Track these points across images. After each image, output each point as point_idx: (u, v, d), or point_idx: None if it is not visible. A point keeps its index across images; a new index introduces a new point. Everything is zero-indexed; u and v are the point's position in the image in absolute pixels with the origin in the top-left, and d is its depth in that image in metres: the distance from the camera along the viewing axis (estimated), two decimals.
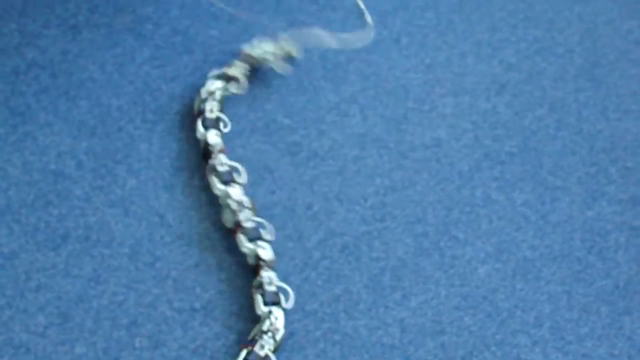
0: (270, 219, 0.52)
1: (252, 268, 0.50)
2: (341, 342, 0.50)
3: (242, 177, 0.52)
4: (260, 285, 0.49)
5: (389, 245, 0.52)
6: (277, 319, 0.48)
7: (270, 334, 0.48)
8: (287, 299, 0.49)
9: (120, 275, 0.50)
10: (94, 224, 0.51)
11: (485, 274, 0.52)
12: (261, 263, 0.50)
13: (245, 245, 0.50)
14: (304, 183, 0.53)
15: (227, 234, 0.51)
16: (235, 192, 0.51)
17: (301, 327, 0.50)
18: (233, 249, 0.50)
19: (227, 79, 0.55)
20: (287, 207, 0.52)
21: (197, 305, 0.49)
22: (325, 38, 0.55)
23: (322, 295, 0.50)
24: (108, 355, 0.48)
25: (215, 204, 0.52)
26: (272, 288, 0.49)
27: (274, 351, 0.48)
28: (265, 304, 0.49)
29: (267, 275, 0.49)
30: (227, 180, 0.52)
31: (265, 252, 0.50)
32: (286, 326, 0.49)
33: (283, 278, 0.50)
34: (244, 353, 0.47)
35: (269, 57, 0.55)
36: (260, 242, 0.50)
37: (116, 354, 0.48)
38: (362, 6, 0.58)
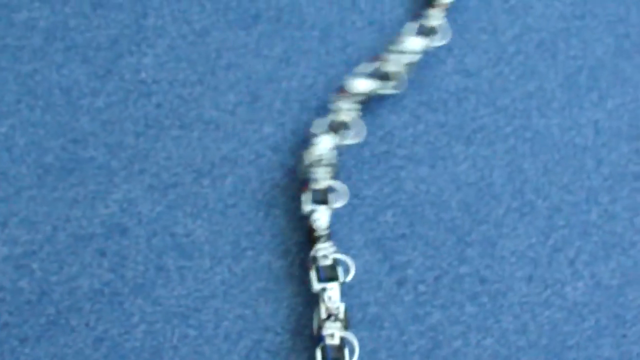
0: (464, 10, 0.50)
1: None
2: (532, 139, 0.48)
3: None
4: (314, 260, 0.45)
5: (588, 44, 0.50)
6: (330, 298, 0.44)
7: (332, 318, 0.44)
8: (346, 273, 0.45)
9: (310, 59, 0.49)
10: (285, 5, 0.50)
11: None
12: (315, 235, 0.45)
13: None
14: None
15: None
16: None
17: (491, 121, 0.48)
18: None
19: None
20: None
21: None
22: None
23: (514, 91, 0.49)
24: (296, 136, 0.48)
25: None
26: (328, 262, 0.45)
27: (347, 328, 0.44)
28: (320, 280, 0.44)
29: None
30: None
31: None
32: (473, 120, 0.48)
33: (476, 71, 0.49)
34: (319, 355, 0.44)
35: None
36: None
37: (301, 136, 0.48)
38: None
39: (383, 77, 0.47)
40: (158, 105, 0.48)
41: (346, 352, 0.43)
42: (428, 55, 0.49)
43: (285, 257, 0.46)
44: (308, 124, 0.48)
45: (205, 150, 0.47)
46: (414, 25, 0.48)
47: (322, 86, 0.48)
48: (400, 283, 0.46)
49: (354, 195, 0.47)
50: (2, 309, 0.45)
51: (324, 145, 0.46)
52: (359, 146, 0.48)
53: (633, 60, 0.50)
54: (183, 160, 0.47)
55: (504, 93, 0.49)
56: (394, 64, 0.47)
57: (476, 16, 0.50)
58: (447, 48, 0.49)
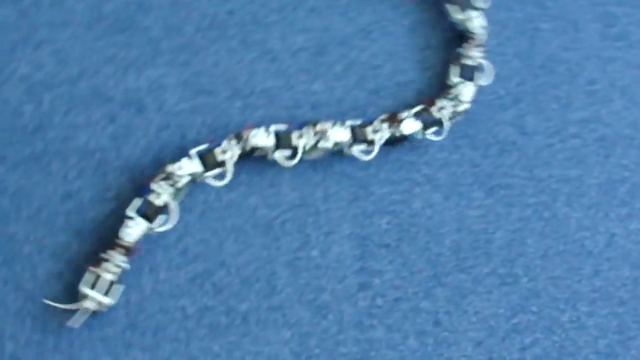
0: (551, 72, 0.49)
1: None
2: (547, 220, 0.48)
3: None
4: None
5: None
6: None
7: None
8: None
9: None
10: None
11: None
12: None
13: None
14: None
15: None
16: None
17: (519, 184, 0.48)
18: None
19: None
20: None
21: None
22: None
23: (555, 169, 0.48)
24: None
25: None
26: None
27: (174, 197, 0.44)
28: None
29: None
30: None
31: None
32: (504, 175, 0.48)
33: (531, 132, 0.48)
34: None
35: None
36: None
37: None
38: None
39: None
40: (231, 12, 0.48)
41: None
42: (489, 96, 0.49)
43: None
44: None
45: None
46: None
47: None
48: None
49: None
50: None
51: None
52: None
53: None
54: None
55: (545, 165, 0.48)
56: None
57: (557, 87, 0.49)
58: (515, 99, 0.49)
